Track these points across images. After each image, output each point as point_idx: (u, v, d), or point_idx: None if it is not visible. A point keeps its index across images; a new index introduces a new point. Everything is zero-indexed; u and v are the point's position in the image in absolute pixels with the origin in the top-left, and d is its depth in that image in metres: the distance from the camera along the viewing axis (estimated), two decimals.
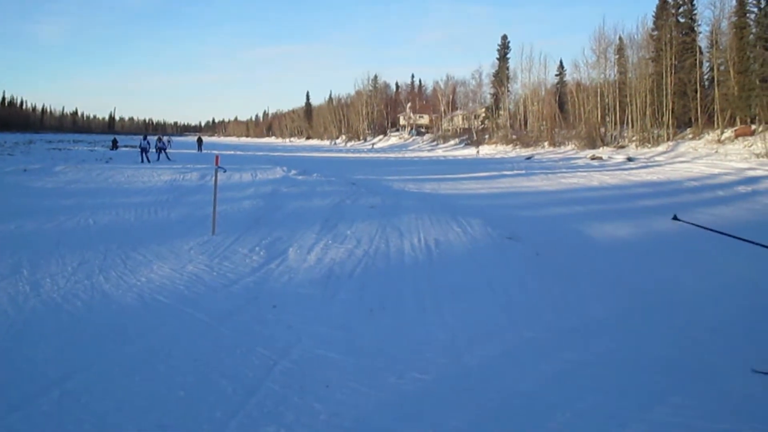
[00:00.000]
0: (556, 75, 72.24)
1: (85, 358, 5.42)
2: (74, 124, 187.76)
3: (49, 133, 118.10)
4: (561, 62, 72.75)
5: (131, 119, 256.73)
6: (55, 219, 12.47)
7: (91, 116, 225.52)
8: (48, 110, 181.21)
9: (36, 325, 6.33)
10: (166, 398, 4.68)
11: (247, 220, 12.84)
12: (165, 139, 37.92)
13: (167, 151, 35.91)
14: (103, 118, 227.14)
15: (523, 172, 30.34)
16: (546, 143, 60.70)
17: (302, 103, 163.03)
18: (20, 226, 11.65)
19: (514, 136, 68.05)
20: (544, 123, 64.55)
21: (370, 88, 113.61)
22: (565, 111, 63.80)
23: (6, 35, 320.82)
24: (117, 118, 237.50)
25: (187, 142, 71.73)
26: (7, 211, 13.11)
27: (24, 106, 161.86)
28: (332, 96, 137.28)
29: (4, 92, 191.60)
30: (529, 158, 48.32)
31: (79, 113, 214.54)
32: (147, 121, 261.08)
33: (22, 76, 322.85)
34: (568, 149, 55.50)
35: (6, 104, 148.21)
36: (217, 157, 12.29)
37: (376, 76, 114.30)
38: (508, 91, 75.39)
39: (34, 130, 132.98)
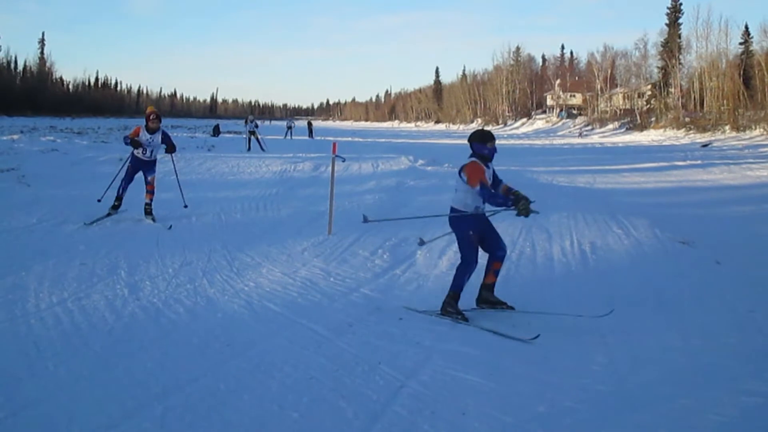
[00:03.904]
0: (741, 43, 68.88)
1: (188, 371, 5.66)
2: (172, 107, 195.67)
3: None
4: (746, 27, 69.23)
5: (235, 101, 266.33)
6: (141, 209, 12.99)
7: (191, 98, 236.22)
8: (144, 92, 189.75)
9: (136, 332, 6.67)
10: (278, 420, 4.81)
11: None
12: (250, 119, 36.98)
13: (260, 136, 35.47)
14: (204, 101, 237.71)
15: (699, 162, 29.28)
16: (727, 127, 58.03)
17: (430, 81, 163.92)
18: (116, 221, 12.33)
19: (686, 119, 65.59)
20: (725, 103, 61.87)
21: (512, 62, 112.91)
22: (752, 88, 60.86)
23: (99, 11, 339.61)
24: (219, 100, 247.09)
25: (275, 127, 73.26)
26: (102, 205, 13.80)
27: (119, 88, 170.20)
28: (466, 72, 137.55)
29: (97, 72, 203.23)
30: (705, 145, 46.62)
31: (178, 95, 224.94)
32: (252, 103, 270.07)
33: (117, 54, 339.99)
34: (756, 135, 52.88)
35: (100, 86, 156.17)
36: (334, 144, 12.52)
37: (518, 48, 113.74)
38: (680, 63, 72.80)
39: (130, 114, 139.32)
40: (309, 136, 54.45)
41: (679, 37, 73.18)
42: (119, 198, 12.86)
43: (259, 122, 40.34)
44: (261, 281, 8.64)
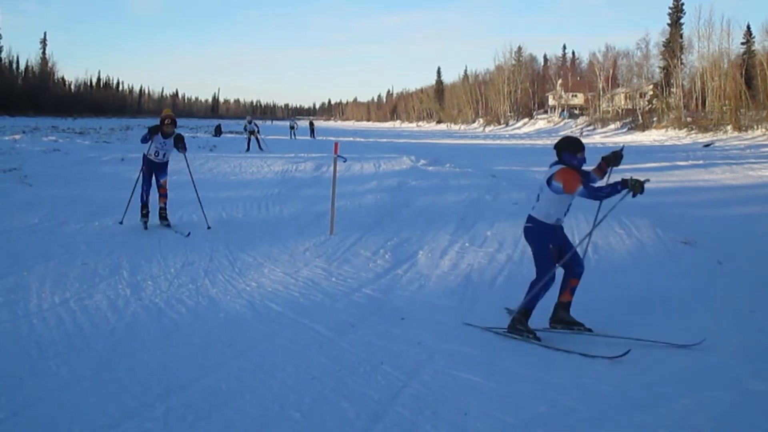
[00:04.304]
0: (743, 43, 68.54)
1: (190, 371, 5.67)
2: (174, 108, 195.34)
3: (148, 118, 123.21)
4: (748, 27, 68.85)
5: (236, 101, 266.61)
6: (156, 214, 12.99)
7: (193, 98, 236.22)
8: (146, 92, 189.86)
9: (138, 332, 6.69)
10: (280, 420, 4.83)
11: (369, 218, 13.08)
12: (249, 119, 36.88)
13: (259, 136, 35.65)
14: (206, 101, 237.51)
15: (701, 162, 29.17)
16: (729, 127, 57.82)
17: (432, 80, 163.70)
18: (118, 221, 12.30)
19: (688, 119, 65.36)
20: (727, 102, 61.73)
21: (513, 62, 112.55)
22: (754, 88, 60.69)
23: (100, 11, 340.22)
24: (221, 100, 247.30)
25: (277, 127, 73.33)
26: (104, 205, 13.84)
27: (120, 88, 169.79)
28: (467, 72, 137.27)
29: (99, 72, 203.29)
30: (707, 145, 46.49)
31: (180, 95, 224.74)
32: (254, 103, 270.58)
33: (118, 54, 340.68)
34: (758, 135, 52.72)
35: (101, 86, 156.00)
36: (336, 144, 12.52)
37: (520, 48, 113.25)
38: (682, 63, 72.60)
39: (131, 114, 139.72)
40: (311, 136, 54.52)
41: (681, 37, 73.01)
42: (145, 205, 12.33)
43: (259, 122, 40.44)
44: (263, 281, 8.65)
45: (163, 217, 12.39)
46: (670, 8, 75.07)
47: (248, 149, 33.64)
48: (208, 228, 12.17)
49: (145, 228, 11.95)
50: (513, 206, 14.24)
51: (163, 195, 12.45)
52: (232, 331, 6.75)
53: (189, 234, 11.54)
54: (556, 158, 6.75)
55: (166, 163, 12.60)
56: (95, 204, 14.00)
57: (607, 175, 6.92)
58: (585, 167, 6.82)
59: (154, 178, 12.48)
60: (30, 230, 11.45)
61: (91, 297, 7.74)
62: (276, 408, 4.99)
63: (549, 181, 6.66)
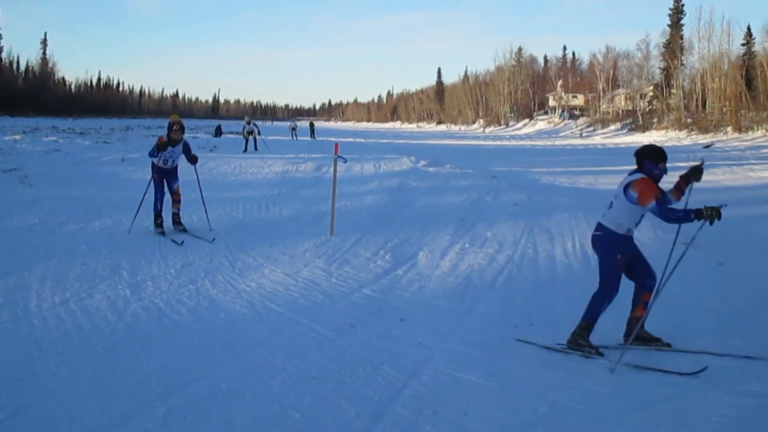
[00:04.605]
0: (743, 44, 68.36)
1: (190, 371, 5.68)
2: (175, 108, 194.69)
3: (148, 118, 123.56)
4: (749, 28, 68.60)
5: (237, 102, 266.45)
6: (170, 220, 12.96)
7: (193, 99, 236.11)
8: (146, 92, 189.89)
9: (138, 332, 6.69)
10: (280, 420, 4.83)
11: (369, 219, 13.09)
12: (247, 120, 36.60)
13: (258, 137, 35.41)
14: (206, 101, 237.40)
15: (701, 163, 29.11)
16: (729, 128, 57.79)
17: (432, 81, 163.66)
18: (118, 222, 12.34)
19: (689, 120, 65.23)
20: (727, 103, 61.65)
21: (513, 62, 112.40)
22: (754, 89, 60.60)
23: (100, 11, 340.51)
24: (221, 100, 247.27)
25: (278, 128, 73.51)
26: (104, 206, 13.89)
27: (121, 88, 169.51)
28: (468, 73, 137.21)
29: (99, 73, 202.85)
30: (707, 146, 46.35)
31: (180, 95, 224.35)
32: (254, 104, 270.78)
33: (119, 55, 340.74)
34: (758, 136, 52.63)
35: (102, 86, 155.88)
36: (336, 145, 12.53)
37: (520, 49, 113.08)
38: (682, 64, 72.47)
39: (132, 114, 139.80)
40: (311, 136, 54.54)
41: (681, 38, 72.93)
42: (159, 215, 11.97)
43: (260, 123, 40.49)
44: (263, 282, 8.66)
45: (177, 222, 12.12)
46: (670, 9, 75.02)
47: (246, 150, 33.68)
48: (210, 230, 12.07)
49: (164, 235, 11.56)
50: (513, 207, 14.28)
51: (176, 201, 12.20)
52: (232, 332, 6.75)
53: (214, 240, 11.16)
54: (635, 166, 6.57)
55: (176, 168, 12.30)
56: (95, 204, 14.01)
57: (687, 191, 6.78)
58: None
59: (166, 185, 12.14)
60: (30, 230, 11.46)
61: (91, 297, 7.74)
62: (276, 408, 4.99)
63: (626, 189, 6.44)
